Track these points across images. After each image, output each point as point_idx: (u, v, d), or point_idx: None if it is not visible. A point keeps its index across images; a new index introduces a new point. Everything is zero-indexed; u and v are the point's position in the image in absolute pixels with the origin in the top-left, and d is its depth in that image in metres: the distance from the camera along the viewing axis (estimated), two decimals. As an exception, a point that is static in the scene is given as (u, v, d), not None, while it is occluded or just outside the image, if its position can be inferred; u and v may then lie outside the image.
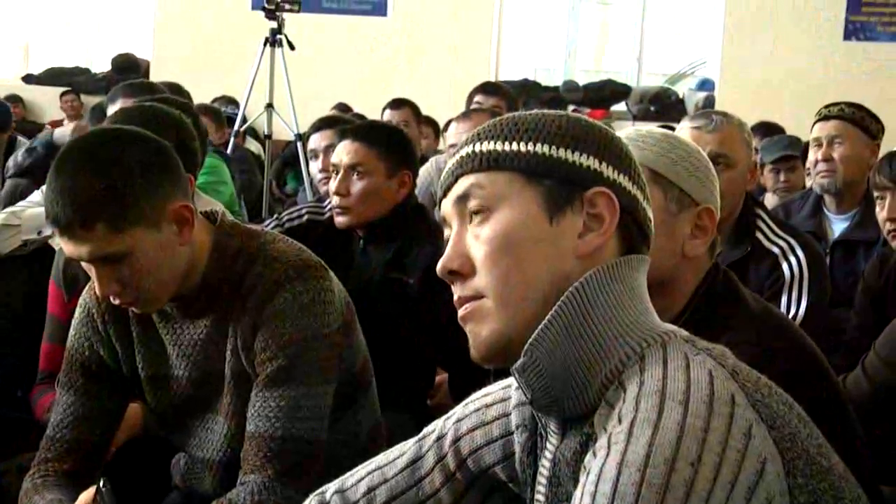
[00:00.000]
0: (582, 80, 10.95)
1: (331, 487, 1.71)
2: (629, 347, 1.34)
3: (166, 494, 2.48)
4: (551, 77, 11.44)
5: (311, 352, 2.15)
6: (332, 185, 3.41)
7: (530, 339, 1.34)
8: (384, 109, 6.49)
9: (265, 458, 2.11)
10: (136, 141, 2.10)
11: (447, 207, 1.45)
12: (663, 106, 10.29)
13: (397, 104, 6.49)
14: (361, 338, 2.41)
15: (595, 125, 1.47)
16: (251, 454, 2.13)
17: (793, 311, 3.09)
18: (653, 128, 2.12)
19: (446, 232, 1.46)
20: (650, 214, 1.47)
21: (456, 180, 1.44)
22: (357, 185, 3.35)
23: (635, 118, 10.27)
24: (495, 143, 1.42)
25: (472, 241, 1.41)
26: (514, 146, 1.41)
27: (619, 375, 1.32)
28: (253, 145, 8.28)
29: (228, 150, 6.18)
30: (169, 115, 2.83)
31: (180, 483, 2.44)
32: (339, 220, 3.41)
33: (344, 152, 3.40)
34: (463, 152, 1.45)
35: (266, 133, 7.24)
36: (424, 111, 7.01)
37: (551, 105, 9.71)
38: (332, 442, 2.21)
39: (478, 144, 1.43)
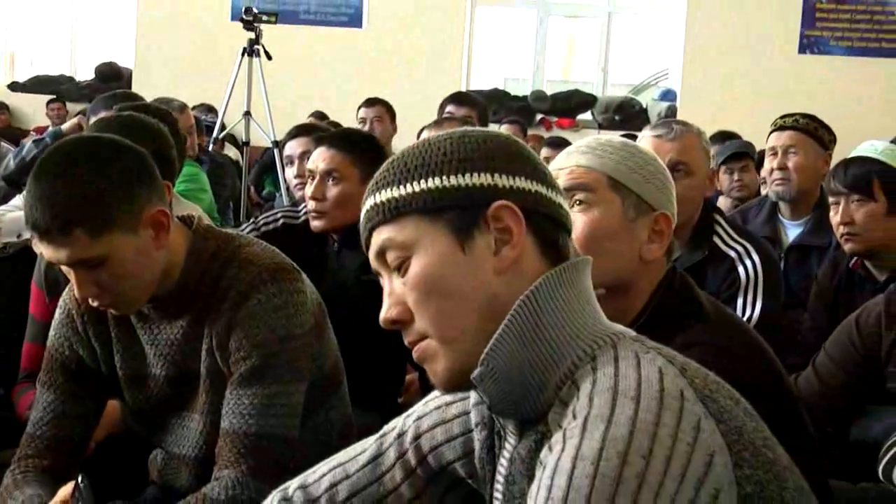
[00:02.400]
0: (550, 91, 10.95)
1: (294, 483, 1.71)
2: (581, 349, 1.34)
3: (143, 489, 2.47)
4: (520, 87, 11.45)
5: (283, 352, 2.15)
6: (308, 190, 3.41)
7: (486, 350, 1.34)
8: (359, 108, 6.50)
9: (239, 454, 2.11)
10: (113, 149, 2.09)
11: (373, 261, 1.45)
12: (627, 115, 10.32)
13: (371, 102, 6.49)
14: (333, 338, 2.41)
15: (480, 138, 1.44)
16: (225, 450, 2.12)
17: (748, 313, 3.11)
18: (612, 137, 2.13)
19: (381, 280, 1.45)
20: (559, 200, 1.45)
21: (370, 235, 1.44)
22: (332, 191, 3.34)
23: (601, 127, 10.29)
24: (391, 190, 1.41)
25: (401, 288, 1.41)
26: (409, 188, 1.40)
27: (572, 376, 1.33)
28: (231, 152, 8.27)
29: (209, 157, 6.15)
30: (146, 124, 2.83)
31: (157, 478, 2.43)
32: (315, 224, 3.41)
33: (319, 159, 3.40)
34: (368, 205, 1.44)
35: (244, 140, 7.23)
36: (397, 119, 7.03)
37: (520, 114, 9.75)
38: (304, 439, 2.21)
39: (377, 195, 1.43)
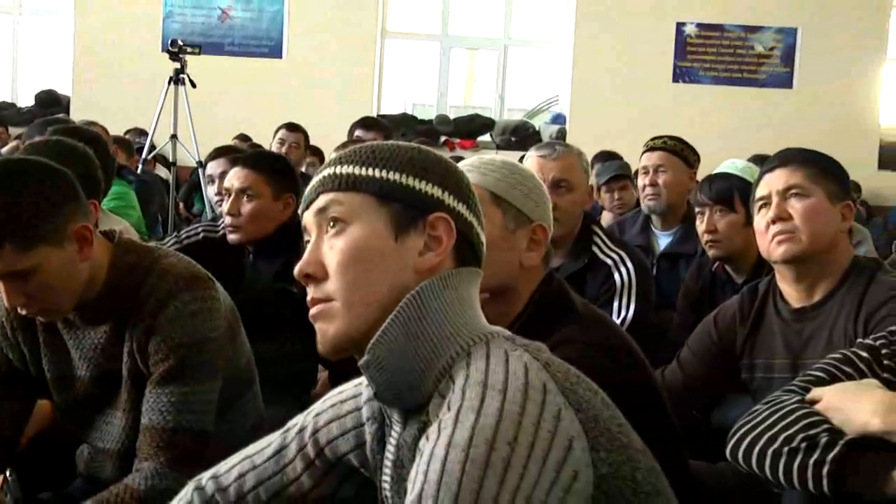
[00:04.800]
0: (452, 115, 10.97)
1: (207, 474, 1.70)
2: (458, 346, 1.36)
3: (72, 482, 2.43)
4: (426, 112, 11.45)
5: (198, 353, 2.14)
6: (225, 206, 3.40)
7: (373, 339, 1.35)
8: (280, 129, 6.47)
9: (157, 447, 2.10)
10: (39, 170, 2.07)
11: (308, 218, 1.45)
12: (522, 137, 10.35)
13: (292, 127, 6.50)
14: (245, 340, 2.40)
15: (441, 159, 1.48)
16: (145, 444, 2.11)
17: (623, 314, 3.15)
18: (494, 156, 2.15)
19: (305, 237, 1.46)
20: (483, 238, 1.49)
21: (317, 196, 1.44)
22: (247, 207, 3.34)
23: (498, 147, 10.33)
24: (354, 168, 1.42)
25: (327, 250, 1.41)
26: (370, 171, 1.42)
27: (449, 370, 1.34)
28: (162, 171, 8.18)
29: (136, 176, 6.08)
30: (73, 147, 2.81)
31: (84, 471, 2.40)
32: (232, 237, 3.40)
33: (235, 178, 3.39)
34: (326, 172, 1.45)
35: (171, 161, 7.18)
36: (314, 141, 7.01)
37: (426, 135, 9.78)
38: (219, 432, 2.20)
39: (339, 167, 1.44)
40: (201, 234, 3.61)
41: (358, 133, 5.34)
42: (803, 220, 2.49)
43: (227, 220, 3.38)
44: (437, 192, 1.42)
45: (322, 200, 1.43)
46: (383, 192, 1.41)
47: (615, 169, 5.41)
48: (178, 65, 7.16)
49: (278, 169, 3.46)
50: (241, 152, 4.28)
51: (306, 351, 3.27)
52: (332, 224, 1.42)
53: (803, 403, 1.88)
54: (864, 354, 1.97)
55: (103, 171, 3.01)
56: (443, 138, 10.54)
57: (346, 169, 1.43)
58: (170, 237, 3.80)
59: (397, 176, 1.41)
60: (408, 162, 1.43)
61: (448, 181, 1.44)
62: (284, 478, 1.63)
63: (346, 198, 1.42)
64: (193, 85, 7.21)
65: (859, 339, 2.11)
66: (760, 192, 2.58)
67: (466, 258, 1.45)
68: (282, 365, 2.93)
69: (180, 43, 7.19)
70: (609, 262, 3.22)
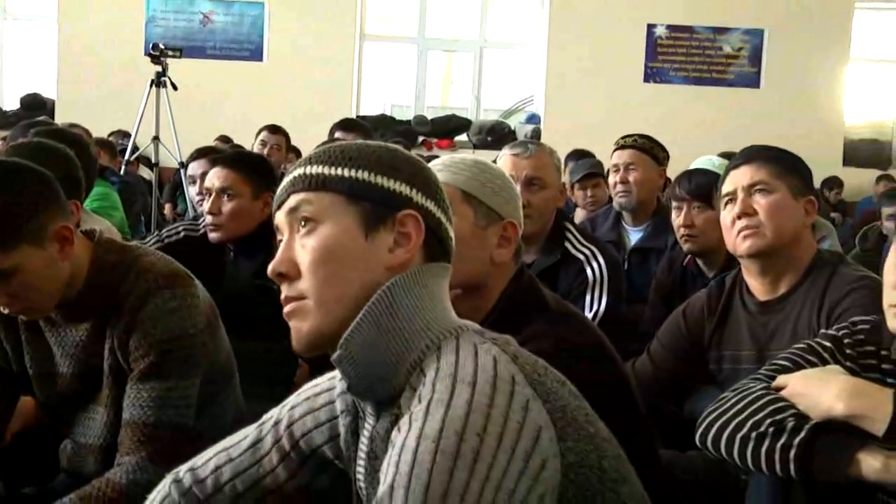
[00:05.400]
0: (430, 115, 10.97)
1: (184, 467, 1.69)
2: (429, 340, 1.36)
3: (55, 477, 2.42)
4: (404, 113, 11.44)
5: (178, 349, 2.13)
6: (206, 206, 3.39)
7: (345, 334, 1.35)
8: (262, 131, 6.45)
9: (139, 442, 2.09)
10: (20, 171, 2.06)
11: (280, 218, 1.45)
12: (498, 136, 10.36)
13: (274, 129, 6.47)
14: (224, 337, 2.39)
15: (409, 157, 1.48)
16: (126, 439, 2.10)
17: (595, 308, 3.15)
18: (465, 155, 2.14)
19: (278, 237, 1.46)
20: (451, 234, 1.49)
21: (288, 196, 1.44)
22: (227, 206, 3.34)
23: (475, 147, 10.34)
24: (323, 168, 1.42)
25: (299, 249, 1.41)
26: (339, 171, 1.41)
27: (420, 363, 1.34)
28: (146, 172, 8.16)
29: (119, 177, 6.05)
30: (54, 149, 2.79)
31: (67, 466, 2.38)
32: (212, 235, 3.39)
33: (215, 177, 3.38)
34: (296, 173, 1.45)
35: (154, 162, 7.16)
36: (294, 142, 6.99)
37: (404, 136, 9.76)
38: (199, 427, 2.18)
39: (308, 167, 1.43)
40: (182, 233, 3.59)
41: (338, 134, 5.31)
42: (768, 216, 2.50)
43: (208, 218, 3.36)
44: (405, 189, 1.42)
45: (293, 200, 1.43)
46: (352, 191, 1.40)
47: (588, 167, 5.42)
48: (159, 68, 7.14)
49: (257, 168, 3.45)
50: (222, 153, 4.26)
51: (285, 346, 3.26)
52: (303, 223, 1.41)
53: (770, 390, 1.90)
54: (827, 344, 1.98)
55: (85, 172, 2.99)
56: (421, 138, 10.54)
57: (315, 169, 1.43)
58: (151, 236, 3.78)
59: (365, 175, 1.41)
60: (376, 161, 1.43)
61: (416, 179, 1.44)
62: (260, 469, 1.63)
63: (316, 197, 1.41)
64: (175, 87, 7.21)
65: (822, 330, 2.13)
66: (726, 188, 2.60)
67: (436, 254, 1.45)
68: (262, 360, 2.91)
69: (161, 46, 7.18)
70: (581, 257, 3.22)
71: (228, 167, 3.38)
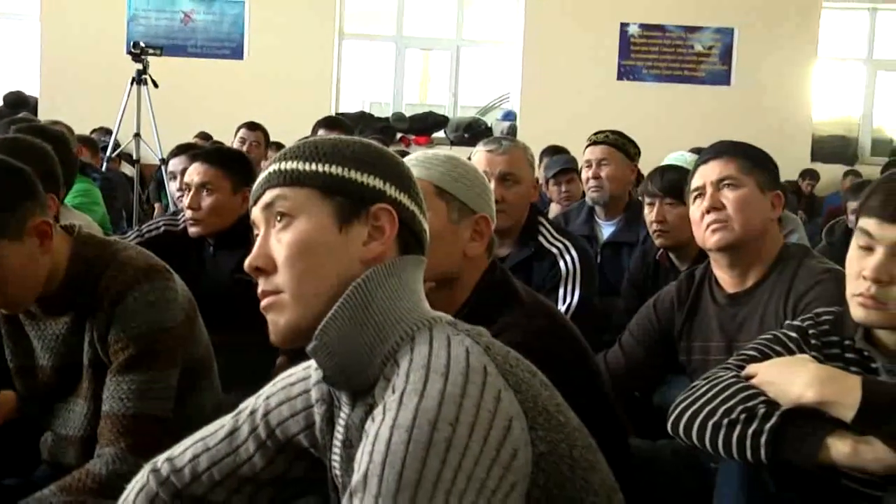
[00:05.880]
0: (408, 113, 10.98)
1: (162, 457, 1.68)
2: (403, 331, 1.35)
3: (36, 468, 2.40)
4: (382, 110, 11.44)
5: (157, 342, 2.12)
6: (186, 201, 3.38)
7: (320, 326, 1.35)
8: (241, 128, 6.43)
9: (118, 433, 2.07)
10: None
11: (256, 213, 1.45)
12: (475, 133, 10.38)
13: (253, 126, 6.46)
14: (203, 330, 2.38)
15: (383, 151, 1.48)
16: (106, 430, 2.09)
17: (568, 300, 3.16)
18: (438, 151, 2.14)
19: (255, 232, 1.45)
20: (426, 226, 1.48)
21: (264, 192, 1.44)
22: (206, 201, 3.34)
23: (452, 143, 10.36)
24: (298, 163, 1.42)
25: (275, 243, 1.41)
26: (313, 166, 1.41)
27: (394, 354, 1.33)
28: (128, 169, 8.12)
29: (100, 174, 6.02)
30: (31, 144, 2.77)
31: (48, 457, 2.37)
32: (192, 230, 3.38)
33: (195, 173, 3.38)
34: (271, 169, 1.44)
35: (135, 158, 7.14)
36: (274, 139, 6.97)
37: (383, 133, 9.76)
38: (178, 418, 2.16)
39: (283, 163, 1.43)
40: (162, 228, 3.58)
41: (321, 132, 5.30)
42: (736, 210, 2.51)
43: (188, 213, 3.36)
44: (378, 183, 1.42)
45: (268, 196, 1.43)
46: (326, 186, 1.40)
47: (562, 163, 5.42)
48: (140, 66, 7.14)
49: (236, 164, 3.45)
50: (201, 149, 4.24)
51: (264, 339, 3.25)
52: (278, 218, 1.41)
53: (740, 378, 1.90)
54: (793, 335, 2.00)
55: (65, 167, 2.97)
56: (399, 135, 10.54)
57: (290, 165, 1.42)
58: (132, 231, 3.76)
59: (339, 170, 1.41)
60: (349, 156, 1.42)
61: (389, 173, 1.44)
62: (237, 458, 1.62)
63: (291, 193, 1.41)
64: (156, 85, 7.21)
65: (787, 321, 2.14)
66: (695, 182, 2.60)
67: (410, 246, 1.44)
68: (241, 352, 2.90)
69: (142, 45, 7.19)
70: (554, 250, 3.23)
71: (208, 163, 3.38)
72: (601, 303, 3.52)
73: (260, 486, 1.63)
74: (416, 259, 1.44)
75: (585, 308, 3.15)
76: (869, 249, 1.85)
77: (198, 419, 2.28)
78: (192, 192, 3.35)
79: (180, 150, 4.68)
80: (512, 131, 10.21)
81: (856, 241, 1.88)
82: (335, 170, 1.40)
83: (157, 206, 7.71)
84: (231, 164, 3.41)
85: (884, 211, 1.83)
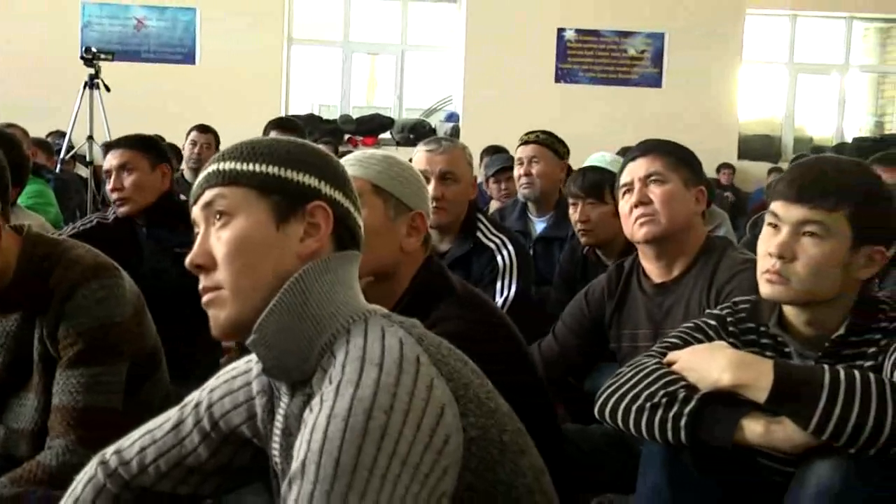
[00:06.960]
0: (355, 115, 10.93)
1: (110, 449, 1.67)
2: (339, 324, 1.36)
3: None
4: (331, 112, 11.39)
5: (105, 337, 2.10)
6: (109, 185, 3.47)
7: (259, 320, 1.35)
8: (192, 130, 6.37)
9: (68, 426, 2.05)
10: None
11: (196, 212, 1.44)
12: (419, 134, 10.33)
13: (204, 129, 6.40)
14: (152, 325, 2.36)
15: (318, 150, 1.47)
16: (56, 423, 2.07)
17: (506, 293, 3.17)
18: (374, 151, 2.14)
19: (196, 230, 1.44)
20: (360, 223, 1.48)
21: (203, 191, 1.43)
22: (128, 180, 3.42)
23: (398, 144, 10.33)
24: (235, 163, 1.41)
25: (214, 241, 1.40)
26: (250, 166, 1.40)
27: (331, 346, 1.34)
28: (83, 170, 8.01)
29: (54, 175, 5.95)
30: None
31: (0, 451, 2.34)
32: (121, 210, 3.45)
33: (113, 158, 3.47)
34: (210, 169, 1.43)
35: (89, 160, 7.06)
36: (225, 142, 6.90)
37: (331, 134, 9.73)
38: (128, 410, 2.14)
39: (221, 164, 1.42)
40: (95, 221, 3.61)
41: (273, 133, 5.26)
42: (662, 204, 2.53)
43: (114, 196, 3.45)
44: (313, 182, 1.41)
45: (208, 195, 1.42)
46: (263, 185, 1.39)
47: (502, 161, 5.44)
48: (92, 70, 7.06)
49: (149, 144, 3.57)
50: (114, 139, 4.27)
51: (209, 332, 3.23)
52: (218, 217, 1.40)
53: (662, 365, 1.93)
54: (712, 322, 2.04)
55: (17, 169, 2.92)
56: (347, 136, 10.49)
57: (227, 165, 1.41)
58: (67, 227, 3.79)
59: (275, 169, 1.40)
60: (285, 155, 1.42)
61: (324, 171, 1.43)
62: (183, 450, 1.61)
63: (229, 192, 1.40)
64: (108, 89, 7.16)
65: (707, 310, 2.18)
66: (624, 178, 2.63)
67: (345, 242, 1.44)
68: (188, 343, 2.89)
69: (94, 50, 7.13)
70: (492, 245, 3.24)
71: (122, 147, 3.50)
72: (536, 293, 3.54)
73: (206, 476, 1.62)
74: (351, 254, 1.44)
75: (523, 299, 3.16)
76: (776, 228, 1.91)
77: (147, 411, 2.26)
78: (113, 176, 3.44)
79: (108, 147, 4.66)
80: (455, 132, 10.22)
81: (766, 223, 1.94)
82: (271, 169, 1.40)
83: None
84: (144, 145, 3.52)
85: (789, 192, 1.88)
